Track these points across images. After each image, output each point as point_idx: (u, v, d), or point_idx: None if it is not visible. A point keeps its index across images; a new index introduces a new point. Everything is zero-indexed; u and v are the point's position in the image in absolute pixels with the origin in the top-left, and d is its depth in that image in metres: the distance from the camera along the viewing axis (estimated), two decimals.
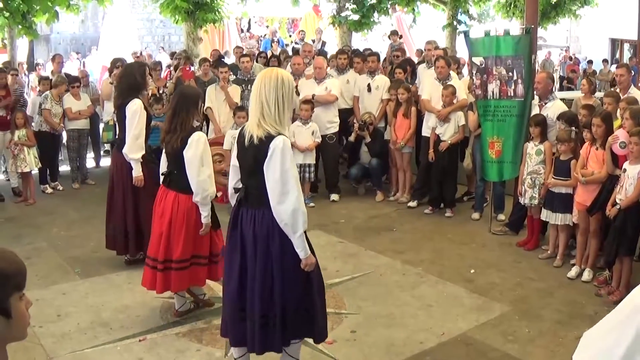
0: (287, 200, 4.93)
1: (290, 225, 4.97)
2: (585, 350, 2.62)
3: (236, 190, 5.46)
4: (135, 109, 8.07)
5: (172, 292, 7.10)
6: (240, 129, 5.38)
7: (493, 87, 10.00)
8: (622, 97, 9.21)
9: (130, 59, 17.17)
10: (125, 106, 8.14)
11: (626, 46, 34.09)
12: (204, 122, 12.92)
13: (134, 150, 8.08)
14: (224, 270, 5.56)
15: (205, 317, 7.16)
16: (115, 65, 12.87)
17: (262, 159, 4.96)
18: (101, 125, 14.10)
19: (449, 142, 11.03)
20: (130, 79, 8.32)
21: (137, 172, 8.18)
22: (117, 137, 8.64)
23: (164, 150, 6.96)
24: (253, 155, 5.04)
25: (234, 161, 5.46)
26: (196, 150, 6.52)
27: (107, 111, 12.91)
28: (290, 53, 18.34)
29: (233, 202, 5.52)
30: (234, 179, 5.54)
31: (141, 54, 18.03)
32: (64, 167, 13.68)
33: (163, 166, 7.02)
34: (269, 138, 4.95)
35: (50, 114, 12.51)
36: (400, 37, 22.60)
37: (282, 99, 5.07)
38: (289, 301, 5.20)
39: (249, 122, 5.18)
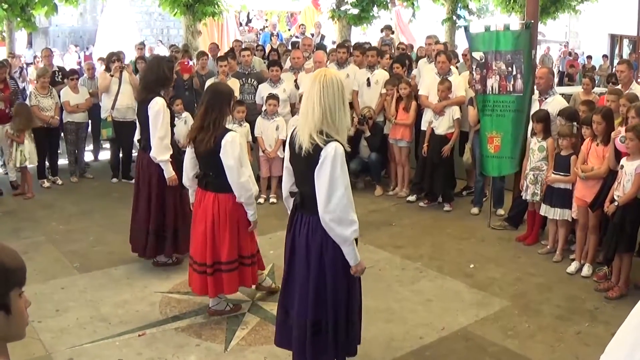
0: (333, 209, 4.85)
1: (338, 235, 4.92)
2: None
3: (292, 194, 5.38)
4: (157, 109, 7.84)
5: (210, 296, 7.02)
6: (292, 132, 5.28)
7: (492, 82, 9.98)
8: (622, 94, 9.18)
9: (129, 52, 17.12)
10: (147, 104, 7.91)
11: (625, 42, 34.05)
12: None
13: (161, 153, 7.88)
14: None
15: (204, 312, 7.14)
16: (111, 59, 12.80)
17: (314, 166, 4.88)
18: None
19: (450, 144, 11.07)
20: (159, 72, 8.11)
21: (168, 173, 7.96)
22: (140, 134, 8.38)
23: (192, 150, 6.80)
24: (306, 164, 4.96)
25: (287, 165, 5.37)
26: (233, 153, 6.43)
27: (105, 106, 12.80)
28: (289, 47, 18.30)
29: (289, 205, 5.49)
30: (288, 182, 5.43)
31: (144, 45, 17.93)
32: (63, 161, 13.62)
33: (188, 168, 6.94)
34: (320, 146, 4.85)
35: (38, 109, 12.40)
36: (393, 32, 22.57)
37: (344, 106, 5.02)
38: (342, 309, 5.21)
39: (300, 126, 5.04)
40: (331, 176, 4.80)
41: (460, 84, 11.30)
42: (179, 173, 7.57)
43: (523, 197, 9.49)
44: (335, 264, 5.08)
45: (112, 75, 12.60)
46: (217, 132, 6.47)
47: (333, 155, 4.80)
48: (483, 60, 10.04)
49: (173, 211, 8.13)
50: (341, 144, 4.90)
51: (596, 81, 15.65)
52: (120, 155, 13.30)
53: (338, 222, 4.86)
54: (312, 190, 4.97)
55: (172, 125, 8.31)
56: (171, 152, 8.03)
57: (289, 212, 5.46)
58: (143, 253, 8.40)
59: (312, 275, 5.13)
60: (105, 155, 14.42)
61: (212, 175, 6.62)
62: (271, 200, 11.34)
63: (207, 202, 6.66)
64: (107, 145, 14.05)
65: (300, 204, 5.20)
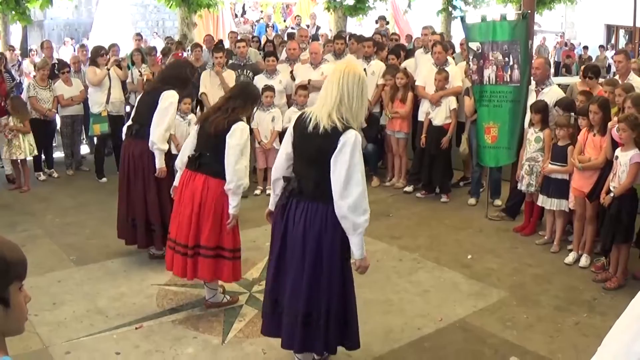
0: (350, 196, 4.85)
1: (351, 222, 4.90)
2: (600, 355, 2.57)
3: (285, 179, 5.34)
4: (171, 100, 7.84)
5: (203, 282, 7.01)
6: (299, 115, 5.30)
7: (489, 72, 9.98)
8: (619, 84, 9.17)
9: (124, 45, 17.04)
10: (159, 92, 7.88)
11: (621, 32, 34.01)
12: (197, 108, 12.86)
13: (163, 141, 7.86)
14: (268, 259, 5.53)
15: (202, 304, 7.12)
16: (99, 53, 12.70)
17: (329, 151, 4.88)
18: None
19: (449, 135, 11.08)
20: (182, 71, 8.18)
21: (160, 163, 7.91)
22: (133, 123, 8.32)
23: (197, 131, 6.77)
24: (318, 145, 4.96)
25: (288, 148, 5.33)
26: (240, 139, 6.41)
27: (97, 101, 12.60)
28: (284, 38, 18.27)
29: (276, 190, 5.45)
30: (284, 166, 5.39)
31: (141, 36, 17.92)
32: (59, 154, 13.59)
33: (186, 150, 6.84)
34: (339, 130, 4.87)
35: (36, 101, 12.37)
36: (387, 22, 22.55)
37: (362, 96, 5.04)
38: (335, 300, 5.17)
39: (315, 109, 5.06)
40: (350, 163, 4.83)
41: (456, 74, 11.29)
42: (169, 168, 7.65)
43: (518, 188, 9.50)
44: (332, 255, 5.06)
45: (108, 69, 12.51)
46: (231, 118, 6.47)
47: (353, 141, 4.86)
48: (480, 51, 10.03)
49: (169, 202, 8.06)
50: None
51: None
52: (106, 151, 13.24)
53: (354, 209, 4.86)
54: (317, 175, 5.00)
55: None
56: (167, 147, 8.01)
57: (275, 196, 5.45)
58: (133, 241, 8.39)
59: (307, 265, 5.10)
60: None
61: (209, 156, 6.54)
62: (268, 191, 11.28)
63: (197, 184, 6.56)
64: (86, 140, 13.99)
65: (297, 189, 5.15)
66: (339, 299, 5.21)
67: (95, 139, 13.26)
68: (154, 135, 7.79)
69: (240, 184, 6.47)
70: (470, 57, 10.24)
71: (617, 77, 10.00)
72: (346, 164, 4.83)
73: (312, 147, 5.02)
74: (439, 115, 11.06)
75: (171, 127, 8.02)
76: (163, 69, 9.09)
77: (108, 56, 12.86)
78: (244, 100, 6.63)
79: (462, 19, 10.93)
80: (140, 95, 8.64)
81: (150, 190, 8.13)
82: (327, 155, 4.89)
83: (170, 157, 8.06)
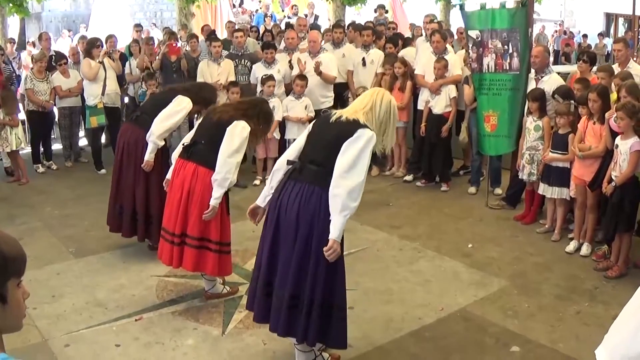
0: (350, 179, 4.92)
1: (341, 201, 4.89)
2: (606, 345, 2.55)
3: (289, 162, 5.39)
4: (187, 106, 7.81)
5: (201, 274, 6.98)
6: (325, 113, 5.49)
7: (489, 60, 9.95)
8: (617, 73, 9.13)
9: (122, 36, 16.97)
10: (176, 93, 7.91)
11: (620, 20, 33.95)
12: None
13: (161, 137, 7.79)
14: (259, 242, 5.52)
15: (201, 295, 7.09)
16: (95, 45, 12.64)
17: (345, 137, 5.01)
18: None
19: (449, 124, 11.06)
20: (208, 94, 8.26)
21: (150, 156, 7.83)
22: (137, 111, 8.29)
23: (200, 120, 6.79)
24: (337, 132, 5.11)
25: (302, 139, 5.44)
26: (240, 134, 6.38)
27: (92, 93, 12.48)
28: (283, 28, 18.22)
29: (273, 181, 5.49)
30: (290, 155, 5.47)
31: (141, 27, 17.88)
32: (57, 146, 13.56)
33: (186, 140, 6.81)
34: (360, 123, 5.07)
35: (33, 93, 12.33)
36: (387, 11, 22.48)
37: (390, 119, 5.31)
38: (320, 287, 5.13)
39: (343, 110, 5.33)
40: (360, 153, 4.96)
41: (456, 62, 11.26)
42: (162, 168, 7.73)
43: (519, 177, 9.47)
44: (322, 242, 5.00)
45: (100, 62, 12.45)
46: (237, 115, 6.45)
47: (369, 137, 5.04)
48: (479, 39, 9.99)
49: (158, 196, 8.01)
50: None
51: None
52: (103, 141, 13.27)
53: (349, 193, 4.88)
54: (324, 159, 5.08)
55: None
56: (163, 144, 7.98)
57: (270, 189, 5.47)
58: (118, 229, 8.36)
59: (297, 248, 5.09)
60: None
61: (203, 144, 6.51)
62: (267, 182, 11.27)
63: (187, 172, 6.52)
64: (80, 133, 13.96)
65: (299, 171, 5.20)
66: (324, 288, 5.15)
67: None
68: (155, 126, 7.73)
69: (228, 177, 6.39)
70: (470, 46, 10.20)
71: (616, 65, 9.95)
72: (356, 152, 4.95)
73: (331, 133, 5.15)
74: (439, 104, 11.03)
75: (173, 129, 8.05)
76: (192, 84, 9.05)
77: (104, 48, 12.82)
78: (256, 113, 6.62)
79: (461, 7, 10.90)
80: (158, 90, 8.61)
81: (139, 180, 8.08)
82: (342, 141, 5.01)
83: (162, 153, 8.08)
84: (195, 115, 9.15)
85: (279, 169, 5.46)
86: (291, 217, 5.10)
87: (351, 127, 5.03)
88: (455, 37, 13.54)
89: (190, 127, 11.23)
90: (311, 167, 5.14)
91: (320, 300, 5.14)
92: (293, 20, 19.58)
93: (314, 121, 5.59)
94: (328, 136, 5.15)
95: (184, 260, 6.64)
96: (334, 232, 4.93)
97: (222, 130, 6.37)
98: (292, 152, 5.48)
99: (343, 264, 5.30)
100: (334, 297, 5.23)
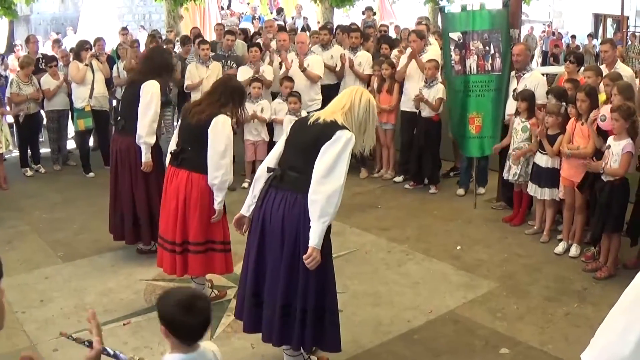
0: (328, 184, 4.86)
1: (320, 207, 4.85)
2: (592, 348, 2.55)
3: (269, 170, 5.32)
4: (154, 90, 7.73)
5: (190, 277, 6.95)
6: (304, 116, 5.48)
7: (471, 62, 9.98)
8: (605, 73, 9.16)
9: (110, 39, 16.95)
10: (139, 84, 7.80)
11: (609, 21, 34.04)
12: (184, 100, 12.80)
13: (149, 134, 7.78)
14: (244, 251, 5.50)
15: None
16: (83, 47, 12.61)
17: (323, 140, 4.93)
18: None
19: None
20: (158, 60, 8.07)
21: (147, 157, 7.85)
22: (119, 117, 8.29)
23: (179, 126, 6.74)
24: (315, 135, 5.01)
25: (280, 145, 5.38)
26: (221, 133, 6.33)
27: (80, 96, 12.44)
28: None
29: (255, 189, 5.43)
30: (270, 162, 5.40)
31: (127, 30, 17.86)
32: (45, 149, 13.52)
33: (173, 145, 6.77)
34: (339, 125, 4.98)
35: (17, 96, 12.24)
36: (375, 13, 22.52)
37: (370, 119, 5.21)
38: (312, 294, 5.12)
39: (321, 112, 5.23)
40: (338, 156, 4.89)
41: (437, 53, 11.37)
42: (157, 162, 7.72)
43: (505, 178, 9.49)
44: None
45: (86, 65, 12.40)
46: (214, 111, 6.37)
47: (348, 138, 4.95)
48: (461, 41, 10.02)
49: (157, 197, 8.02)
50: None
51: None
52: (91, 145, 13.25)
53: (327, 198, 4.83)
54: (305, 165, 4.99)
55: (161, 113, 8.19)
56: (155, 139, 7.94)
57: (252, 198, 5.44)
58: (122, 237, 8.36)
59: (285, 257, 5.07)
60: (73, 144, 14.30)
61: (191, 150, 6.47)
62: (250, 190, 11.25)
63: (180, 180, 6.52)
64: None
65: (279, 178, 5.15)
66: (316, 294, 5.15)
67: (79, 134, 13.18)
68: (139, 129, 7.73)
69: (225, 179, 6.42)
70: (452, 48, 10.21)
71: (604, 66, 9.99)
72: (334, 155, 4.87)
73: (309, 135, 5.06)
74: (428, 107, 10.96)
75: (156, 118, 7.90)
76: (140, 60, 9.01)
77: (93, 50, 12.80)
78: (228, 96, 6.51)
79: (442, 9, 10.98)
80: (124, 89, 8.56)
81: (137, 185, 8.07)
82: (320, 144, 4.92)
83: (157, 151, 8.04)
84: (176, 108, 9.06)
85: (260, 177, 5.41)
86: (276, 226, 5.07)
87: (329, 130, 4.95)
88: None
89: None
90: (291, 174, 5.09)
91: (312, 307, 5.13)
92: (281, 22, 19.63)
93: (291, 125, 5.51)
94: (306, 140, 5.07)
95: (190, 267, 6.68)
96: (314, 239, 4.87)
97: (204, 132, 6.33)
98: (271, 158, 5.41)
99: (332, 267, 5.30)
100: (325, 301, 5.23)
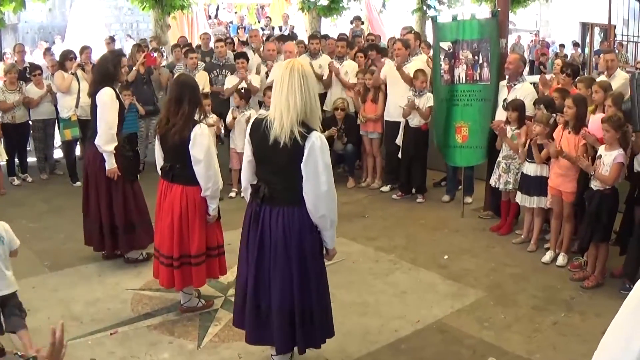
0: (326, 196, 5.06)
1: (330, 220, 5.17)
2: (599, 356, 2.54)
3: (252, 186, 5.30)
4: (105, 99, 7.81)
5: (176, 289, 6.92)
6: (254, 122, 5.25)
7: (459, 71, 10.02)
8: (598, 81, 9.22)
9: (97, 48, 16.93)
10: (95, 94, 7.91)
11: (596, 30, 34.15)
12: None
13: (107, 142, 7.83)
14: (238, 266, 5.57)
15: (177, 309, 7.06)
16: (68, 57, 12.60)
17: (298, 158, 4.90)
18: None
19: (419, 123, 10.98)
20: (103, 69, 8.11)
21: (110, 164, 7.91)
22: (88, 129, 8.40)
23: (158, 143, 6.71)
24: (286, 156, 4.93)
25: (249, 157, 5.33)
26: (201, 147, 6.33)
27: (66, 106, 12.45)
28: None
29: (247, 197, 5.47)
30: (250, 174, 5.40)
31: (113, 39, 17.82)
32: (32, 158, 13.47)
33: (159, 159, 6.78)
34: (303, 136, 4.87)
35: (4, 104, 12.25)
36: (363, 22, 22.57)
37: (314, 93, 5.03)
38: (323, 298, 5.34)
39: (277, 117, 4.93)
40: (319, 166, 4.91)
41: (424, 63, 11.42)
42: (130, 164, 7.98)
43: (493, 186, 9.50)
44: (315, 254, 5.20)
45: (72, 74, 12.38)
46: (186, 125, 6.36)
47: (320, 145, 4.91)
48: (451, 50, 10.06)
49: (123, 206, 8.07)
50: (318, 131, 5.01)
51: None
52: (78, 154, 13.24)
53: (330, 209, 5.15)
54: (286, 181, 5.02)
55: (121, 117, 8.20)
56: (116, 144, 7.96)
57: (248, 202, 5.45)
58: (100, 248, 8.39)
59: (295, 269, 5.12)
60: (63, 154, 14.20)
61: (179, 167, 6.49)
62: (243, 194, 11.22)
63: (174, 194, 6.53)
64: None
65: (268, 196, 5.13)
66: (324, 294, 5.38)
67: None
68: (97, 138, 7.86)
69: (216, 187, 6.52)
70: (442, 57, 10.24)
71: (604, 74, 10.07)
72: (317, 169, 4.92)
73: (280, 156, 4.98)
74: (417, 117, 10.95)
75: (113, 124, 7.93)
76: (92, 72, 9.12)
77: (79, 60, 12.78)
78: (187, 99, 6.46)
79: (433, 19, 11.00)
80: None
81: (103, 194, 8.14)
82: (298, 162, 4.91)
83: (121, 155, 8.08)
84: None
85: (247, 188, 5.46)
86: (278, 239, 5.11)
87: (297, 148, 4.86)
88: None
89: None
90: (280, 191, 5.10)
91: (325, 306, 5.43)
92: (267, 32, 19.68)
93: (249, 133, 5.28)
94: (279, 162, 5.02)
95: (195, 278, 6.72)
96: (331, 243, 5.38)
97: (186, 149, 6.36)
98: (249, 174, 5.42)
99: (325, 267, 5.46)
100: (327, 300, 5.50)
